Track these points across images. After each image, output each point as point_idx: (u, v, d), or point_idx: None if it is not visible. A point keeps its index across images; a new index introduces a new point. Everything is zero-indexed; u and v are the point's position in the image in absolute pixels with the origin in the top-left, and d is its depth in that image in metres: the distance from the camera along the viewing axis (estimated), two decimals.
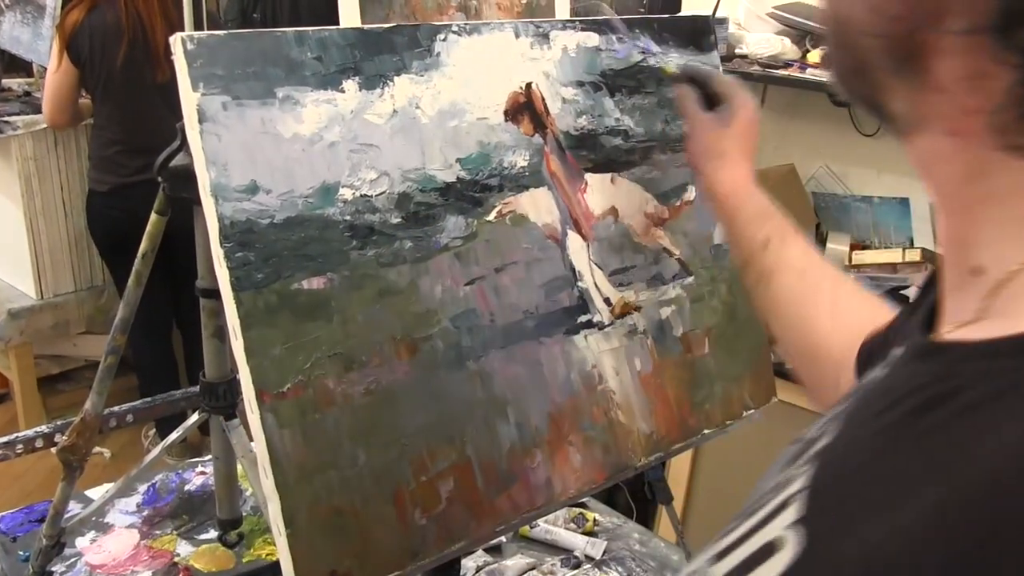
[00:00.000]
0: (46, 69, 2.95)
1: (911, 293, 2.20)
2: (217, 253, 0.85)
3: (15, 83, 3.62)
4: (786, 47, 2.28)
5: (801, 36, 2.34)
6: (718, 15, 2.39)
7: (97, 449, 3.32)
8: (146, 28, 2.64)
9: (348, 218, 0.93)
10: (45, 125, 3.04)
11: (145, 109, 2.73)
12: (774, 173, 2.34)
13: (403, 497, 0.95)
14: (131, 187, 2.75)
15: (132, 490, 1.52)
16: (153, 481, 1.53)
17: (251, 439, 0.94)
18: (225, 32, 0.86)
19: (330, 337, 0.91)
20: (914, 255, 2.40)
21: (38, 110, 3.20)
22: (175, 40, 0.83)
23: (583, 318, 1.13)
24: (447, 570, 1.08)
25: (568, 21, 1.15)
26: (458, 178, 1.02)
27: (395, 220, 0.96)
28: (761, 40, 2.28)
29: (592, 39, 1.16)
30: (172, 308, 3.06)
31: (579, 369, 1.12)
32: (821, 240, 2.50)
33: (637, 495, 2.55)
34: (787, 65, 2.27)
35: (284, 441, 0.87)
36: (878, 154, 2.47)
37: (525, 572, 1.43)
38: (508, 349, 1.05)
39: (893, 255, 2.40)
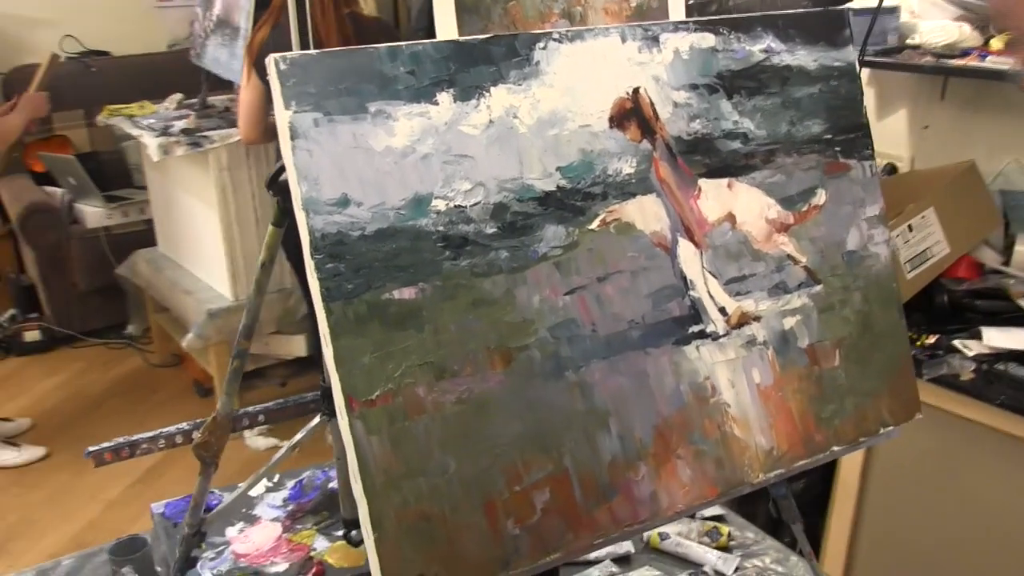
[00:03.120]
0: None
1: None
2: (308, 264, 0.88)
3: (219, 99, 3.90)
4: (964, 34, 2.11)
5: (983, 21, 2.16)
6: (891, 4, 2.26)
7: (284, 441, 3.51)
8: (322, 42, 2.76)
9: (441, 229, 0.94)
10: (238, 138, 3.25)
11: None
12: (951, 171, 2.17)
13: (495, 506, 0.95)
14: None
15: (282, 485, 1.60)
16: (300, 478, 1.61)
17: None
18: (318, 51, 0.89)
19: (421, 346, 0.92)
20: None
21: (233, 124, 3.43)
22: (269, 61, 0.87)
23: (695, 328, 1.09)
24: None
25: (681, 22, 1.11)
26: (558, 187, 1.01)
27: (490, 230, 0.97)
28: (935, 28, 2.12)
29: (707, 40, 1.13)
30: None
31: (690, 381, 1.08)
32: (1010, 242, 2.30)
33: None
34: (965, 54, 2.11)
35: (372, 447, 0.89)
36: None
37: None
38: (611, 360, 1.03)
39: None
